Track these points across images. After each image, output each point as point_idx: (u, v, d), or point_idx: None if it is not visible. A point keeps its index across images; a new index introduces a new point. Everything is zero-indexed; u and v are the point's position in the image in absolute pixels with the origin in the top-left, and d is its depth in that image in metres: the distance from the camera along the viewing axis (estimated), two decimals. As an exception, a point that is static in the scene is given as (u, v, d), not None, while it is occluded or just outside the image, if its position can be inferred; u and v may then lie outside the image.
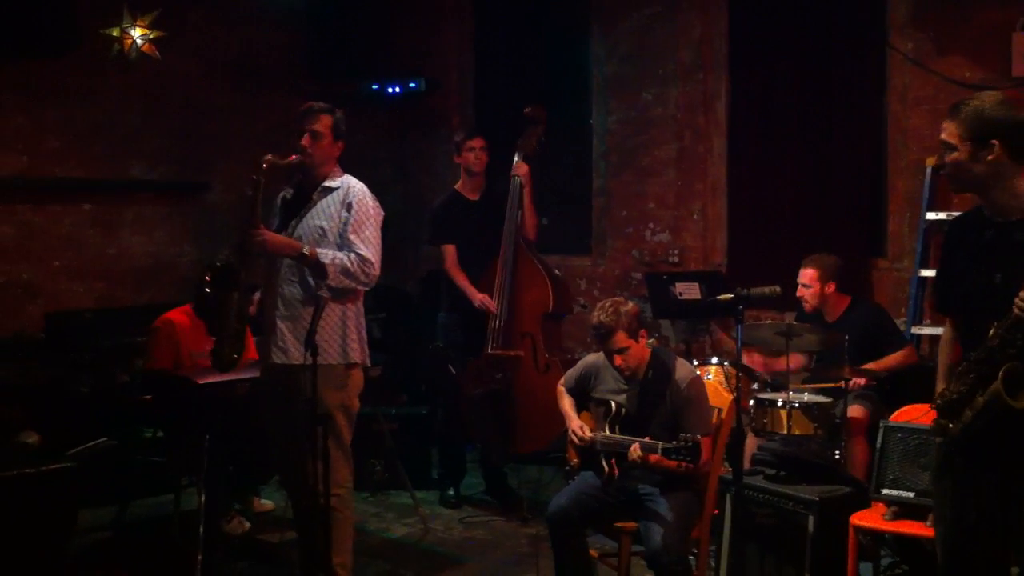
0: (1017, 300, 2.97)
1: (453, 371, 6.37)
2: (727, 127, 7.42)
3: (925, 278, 6.24)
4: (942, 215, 6.18)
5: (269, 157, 4.56)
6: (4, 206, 6.94)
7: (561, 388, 4.95)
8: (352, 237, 4.61)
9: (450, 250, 6.54)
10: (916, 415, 4.61)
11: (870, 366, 5.60)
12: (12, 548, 4.38)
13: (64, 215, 7.24)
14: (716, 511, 4.81)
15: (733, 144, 7.41)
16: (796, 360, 5.81)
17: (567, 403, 4.88)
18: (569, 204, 8.34)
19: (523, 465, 6.78)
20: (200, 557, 4.97)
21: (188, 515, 5.49)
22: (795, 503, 4.72)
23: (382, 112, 8.80)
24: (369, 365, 4.82)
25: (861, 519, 4.59)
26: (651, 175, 7.78)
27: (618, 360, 4.62)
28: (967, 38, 6.33)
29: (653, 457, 4.37)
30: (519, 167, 6.44)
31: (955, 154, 3.16)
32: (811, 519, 4.63)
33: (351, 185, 4.72)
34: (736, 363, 4.57)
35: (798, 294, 5.91)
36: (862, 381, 5.64)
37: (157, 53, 6.65)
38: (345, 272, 4.55)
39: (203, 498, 5.14)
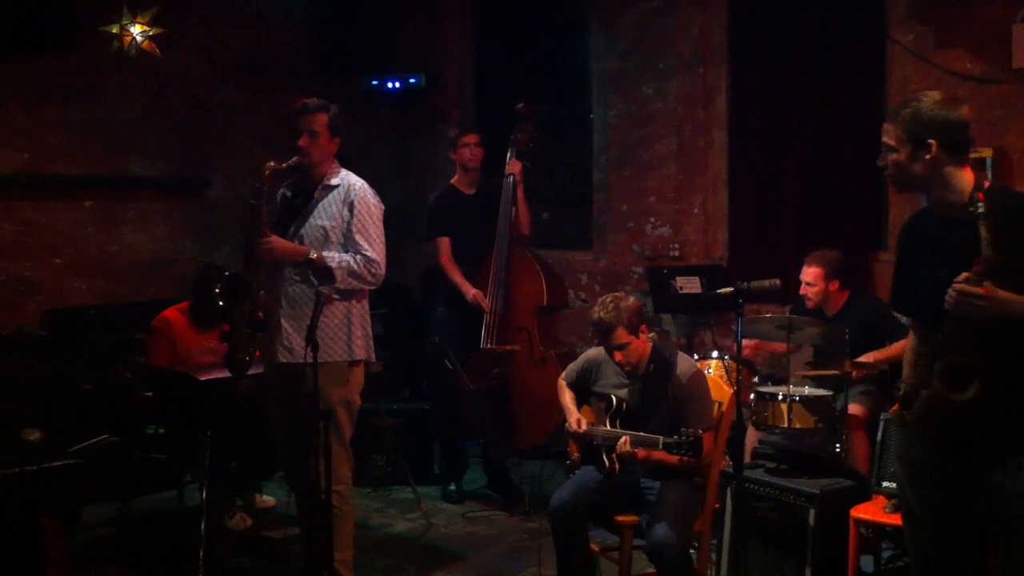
0: (948, 293, 3.02)
1: (450, 366, 6.37)
2: (727, 121, 7.42)
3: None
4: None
5: (271, 164, 4.57)
6: (4, 203, 6.95)
7: (562, 382, 4.96)
8: (357, 238, 4.63)
9: (444, 243, 6.56)
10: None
11: (870, 356, 5.58)
12: (15, 545, 4.38)
13: (65, 212, 7.25)
14: (717, 505, 4.82)
15: (733, 138, 7.40)
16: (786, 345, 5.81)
17: (567, 397, 4.89)
18: (569, 199, 8.35)
19: (525, 460, 6.79)
20: (202, 553, 4.98)
21: (190, 511, 5.50)
22: (796, 496, 4.73)
23: (383, 109, 8.80)
24: (375, 360, 4.84)
25: (862, 512, 4.60)
26: (651, 169, 7.79)
27: (619, 356, 4.62)
28: (968, 30, 6.32)
29: (643, 452, 4.38)
30: (512, 165, 6.45)
31: (895, 155, 3.23)
32: (812, 512, 4.65)
33: (351, 183, 4.72)
34: (736, 357, 4.58)
35: (801, 292, 5.91)
36: (863, 372, 5.63)
37: (157, 50, 6.64)
38: (352, 274, 4.58)
39: (205, 494, 5.14)
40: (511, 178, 6.44)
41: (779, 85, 7.12)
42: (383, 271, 4.69)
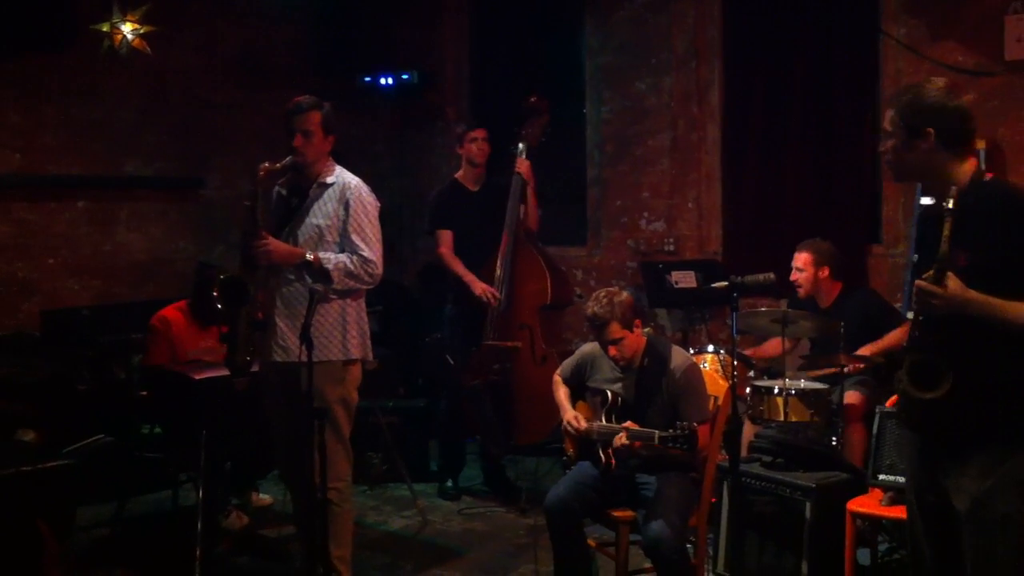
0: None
1: (451, 362, 6.36)
2: (721, 115, 7.43)
3: (928, 267, 6.23)
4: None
5: (265, 165, 4.57)
6: (0, 204, 6.94)
7: (557, 378, 4.95)
8: (354, 238, 4.63)
9: (446, 235, 6.52)
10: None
11: (866, 349, 5.58)
12: (10, 547, 4.37)
13: (60, 212, 7.24)
14: (714, 499, 4.81)
15: (727, 132, 7.42)
16: (788, 344, 5.80)
17: (562, 393, 4.88)
18: (564, 195, 8.34)
19: (521, 456, 6.79)
20: (199, 552, 4.98)
21: (187, 511, 5.49)
22: (792, 490, 4.74)
23: (380, 106, 8.79)
24: (371, 359, 4.84)
25: (858, 505, 4.60)
26: (646, 164, 7.79)
27: (613, 351, 4.62)
28: (960, 23, 6.33)
29: (638, 443, 4.38)
30: (521, 163, 6.41)
31: (892, 141, 3.20)
32: (808, 506, 4.65)
33: (347, 181, 4.71)
34: (732, 350, 4.57)
35: (791, 278, 5.90)
36: (860, 365, 5.62)
37: (148, 48, 6.63)
38: (349, 275, 4.59)
39: (201, 493, 5.14)
40: (519, 176, 6.41)
41: (773, 79, 7.13)
42: (380, 271, 4.69)
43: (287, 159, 4.64)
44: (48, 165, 7.14)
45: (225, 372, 4.76)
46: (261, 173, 4.57)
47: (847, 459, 5.19)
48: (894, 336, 5.69)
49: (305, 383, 4.29)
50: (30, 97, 7.02)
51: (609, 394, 4.66)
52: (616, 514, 4.57)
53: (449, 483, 6.62)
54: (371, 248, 4.65)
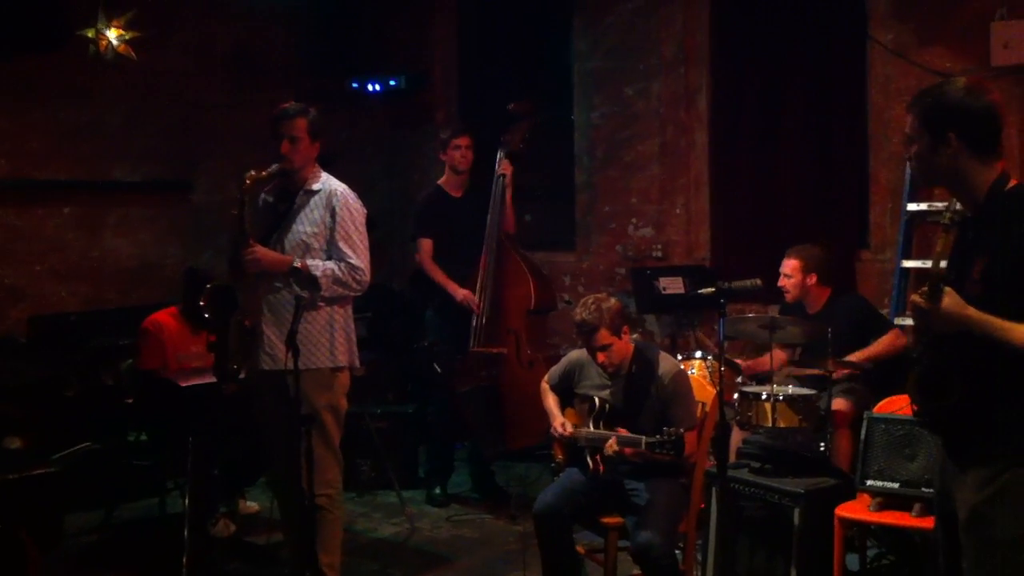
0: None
1: (439, 369, 6.36)
2: (709, 121, 7.43)
3: (908, 269, 6.26)
4: (923, 206, 6.18)
5: (252, 173, 4.57)
6: (-14, 210, 6.93)
7: (545, 385, 4.95)
8: (341, 245, 4.63)
9: (426, 244, 6.54)
10: (900, 406, 4.63)
11: (855, 356, 5.60)
12: (-3, 554, 4.37)
13: (48, 217, 7.21)
14: (703, 505, 4.81)
15: (716, 138, 7.41)
16: (779, 357, 5.81)
17: (551, 400, 4.89)
18: (553, 200, 8.33)
19: (510, 462, 6.78)
20: (186, 560, 4.96)
21: (174, 518, 5.48)
22: (781, 495, 4.74)
23: (369, 110, 8.78)
24: (358, 366, 4.83)
25: (847, 511, 4.60)
26: (635, 170, 7.79)
27: (601, 357, 4.62)
28: (948, 28, 6.34)
29: (629, 450, 4.38)
30: (504, 166, 6.41)
31: (915, 146, 3.05)
32: (797, 511, 4.65)
33: (333, 188, 4.71)
34: (719, 357, 4.58)
35: (779, 283, 5.91)
36: (847, 370, 5.63)
37: (133, 54, 6.61)
38: (337, 282, 4.60)
39: (188, 500, 5.12)
40: (502, 179, 6.41)
41: (761, 85, 7.13)
42: (368, 277, 4.70)
43: (274, 166, 4.63)
44: (35, 170, 7.11)
45: (211, 379, 4.76)
46: (248, 181, 4.57)
47: (836, 465, 5.20)
48: (882, 343, 5.70)
49: (292, 390, 4.28)
50: (17, 101, 6.99)
51: (597, 400, 4.66)
52: (605, 520, 4.57)
53: (437, 490, 6.61)
54: (358, 255, 4.65)
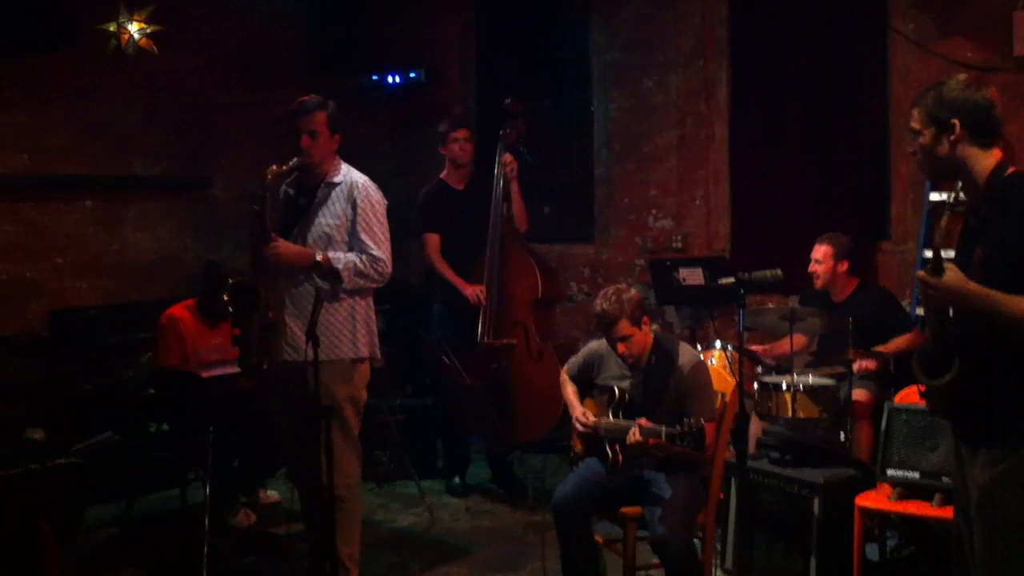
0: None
1: (447, 363, 6.36)
2: (728, 113, 7.41)
3: (928, 260, 6.22)
4: (944, 196, 6.14)
5: (273, 168, 4.60)
6: (7, 205, 6.94)
7: (564, 376, 4.95)
8: (362, 236, 4.65)
9: (432, 239, 6.55)
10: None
11: (879, 349, 5.58)
12: (19, 545, 4.38)
13: (67, 213, 7.24)
14: (721, 496, 4.80)
15: (735, 130, 7.40)
16: (798, 340, 5.79)
17: (570, 391, 4.87)
18: (571, 193, 8.34)
19: (528, 454, 6.78)
20: (206, 551, 4.98)
21: (194, 509, 5.50)
22: (800, 486, 4.73)
23: (384, 105, 8.79)
24: (379, 357, 4.84)
25: (867, 501, 4.59)
26: (653, 162, 7.78)
27: (621, 348, 4.60)
28: (968, 19, 6.31)
29: (652, 441, 4.36)
30: (504, 161, 6.38)
31: (920, 139, 3.18)
32: (817, 502, 4.64)
33: (354, 180, 4.72)
34: (739, 347, 4.57)
35: (810, 269, 5.90)
36: (872, 365, 5.62)
37: (154, 48, 6.63)
38: (359, 274, 4.61)
39: (208, 491, 5.14)
40: (502, 174, 6.40)
41: (780, 77, 7.11)
42: (389, 269, 4.71)
43: (294, 160, 4.65)
44: (55, 165, 7.14)
45: (232, 370, 4.77)
46: (268, 176, 4.59)
47: (855, 455, 5.18)
48: (901, 341, 5.68)
49: (312, 381, 4.29)
50: (36, 97, 7.01)
51: (616, 391, 4.65)
52: (623, 511, 4.56)
53: (456, 480, 6.62)
54: (380, 247, 4.66)
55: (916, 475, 4.51)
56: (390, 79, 8.41)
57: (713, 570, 4.77)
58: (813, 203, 6.97)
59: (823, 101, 6.94)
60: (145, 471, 5.99)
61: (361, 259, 4.61)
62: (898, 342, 5.70)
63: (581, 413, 4.71)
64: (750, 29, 7.29)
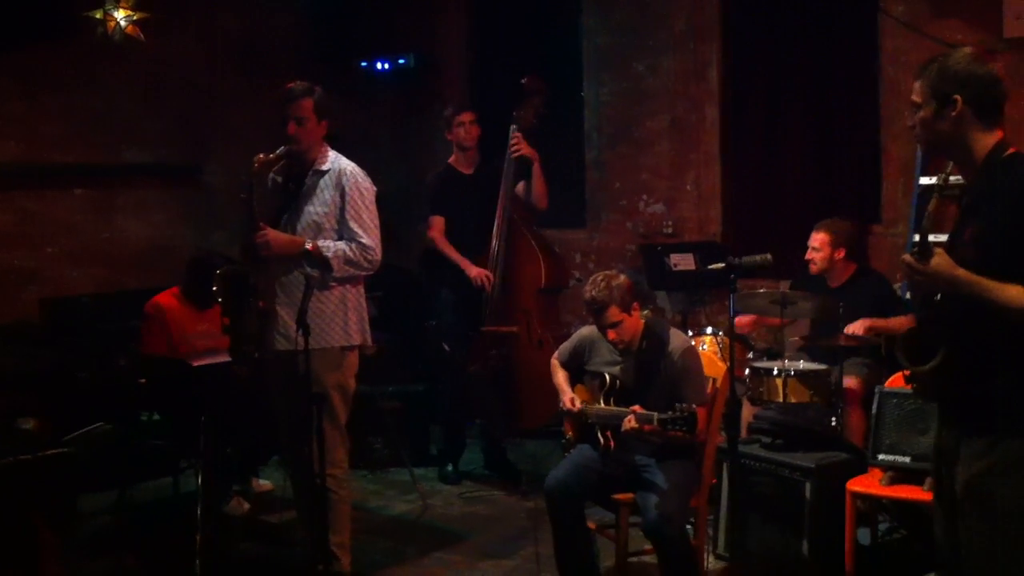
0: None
1: (448, 349, 6.35)
2: (720, 96, 7.40)
3: (915, 244, 6.21)
4: (935, 180, 6.12)
5: (260, 157, 4.59)
6: (0, 193, 6.94)
7: (555, 362, 4.95)
8: (351, 224, 4.64)
9: (438, 222, 6.51)
10: (912, 381, 4.61)
11: (868, 322, 5.53)
12: (11, 535, 4.38)
13: (61, 201, 7.23)
14: (714, 480, 4.82)
15: (726, 113, 7.39)
16: (798, 330, 5.80)
17: (561, 377, 4.88)
18: (563, 177, 8.29)
19: (522, 440, 6.79)
20: (200, 539, 4.98)
21: (188, 497, 5.50)
22: (792, 470, 4.75)
23: (381, 92, 8.77)
24: (370, 344, 4.85)
25: (858, 485, 4.60)
26: (645, 146, 7.77)
27: (612, 334, 4.61)
28: (960, 0, 6.29)
29: (648, 427, 4.36)
30: (523, 145, 6.30)
31: (921, 113, 3.09)
32: (808, 486, 4.66)
33: (342, 167, 4.71)
34: (730, 332, 4.57)
35: (807, 256, 5.88)
36: (860, 330, 5.54)
37: (141, 35, 6.60)
38: (348, 262, 4.61)
39: (201, 480, 5.15)
40: (516, 157, 6.33)
41: (772, 59, 7.11)
42: (379, 256, 4.71)
43: (281, 148, 4.64)
44: (48, 153, 7.13)
45: (224, 358, 4.77)
46: (256, 165, 4.58)
47: (847, 439, 5.19)
48: (894, 322, 5.66)
49: (303, 369, 4.30)
50: (30, 86, 7.00)
51: (607, 377, 4.66)
52: (616, 497, 4.58)
53: (450, 467, 6.63)
54: (369, 234, 4.66)
55: (907, 459, 4.52)
56: (379, 65, 8.38)
57: (706, 554, 4.78)
58: (805, 186, 6.98)
59: (815, 84, 6.93)
60: (138, 459, 5.99)
61: (351, 247, 4.61)
62: (896, 321, 5.65)
63: (569, 399, 4.72)
64: (742, 11, 7.28)
